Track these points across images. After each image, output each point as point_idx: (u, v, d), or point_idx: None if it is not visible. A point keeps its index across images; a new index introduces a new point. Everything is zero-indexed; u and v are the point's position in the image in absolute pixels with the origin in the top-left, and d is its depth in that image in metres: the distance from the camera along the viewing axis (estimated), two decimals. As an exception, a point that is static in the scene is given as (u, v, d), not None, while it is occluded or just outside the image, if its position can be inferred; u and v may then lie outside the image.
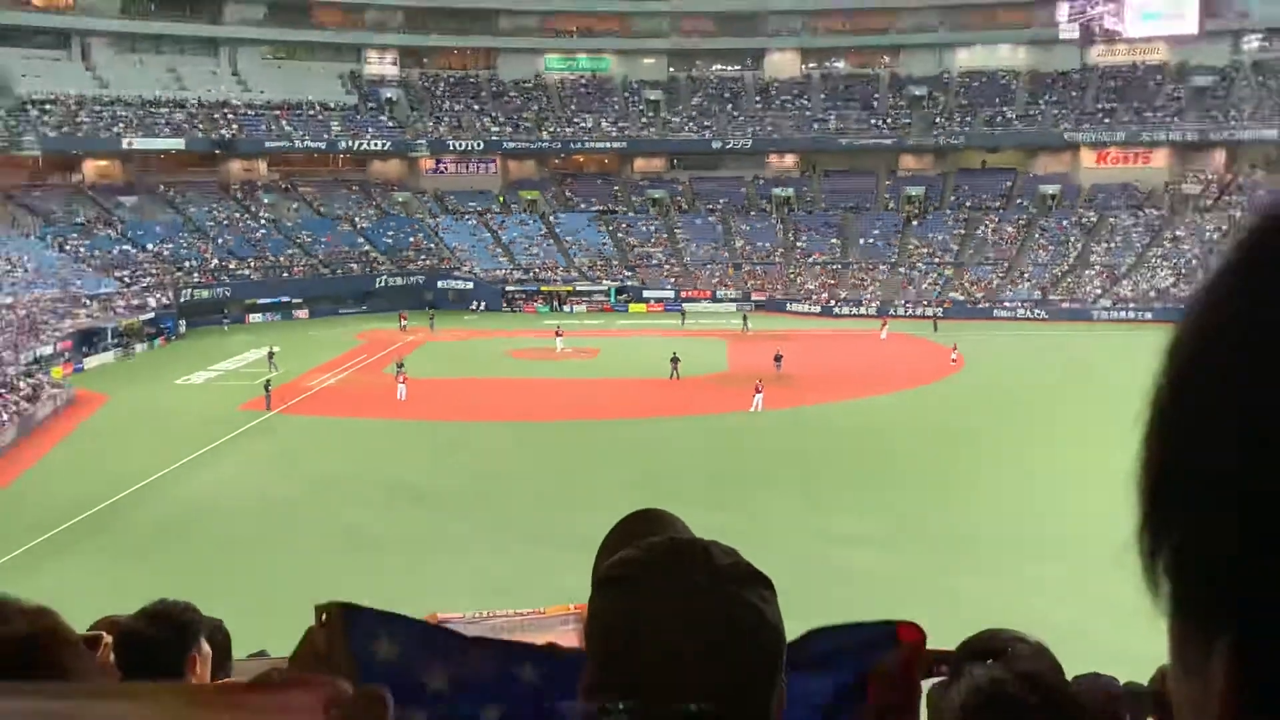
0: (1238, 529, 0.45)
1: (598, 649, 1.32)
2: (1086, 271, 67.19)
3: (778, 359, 45.39)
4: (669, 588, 1.28)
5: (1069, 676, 3.22)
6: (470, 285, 68.61)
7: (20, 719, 0.95)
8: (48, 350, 48.36)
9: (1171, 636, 0.52)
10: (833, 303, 66.84)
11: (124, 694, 1.12)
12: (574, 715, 1.68)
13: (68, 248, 60.87)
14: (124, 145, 67.04)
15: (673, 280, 70.08)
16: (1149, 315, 59.12)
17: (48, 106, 65.48)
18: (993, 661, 2.25)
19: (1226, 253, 0.49)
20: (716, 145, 78.26)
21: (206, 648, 3.41)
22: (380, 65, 78.83)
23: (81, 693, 1.02)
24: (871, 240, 72.91)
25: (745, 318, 61.60)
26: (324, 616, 1.71)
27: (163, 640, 3.30)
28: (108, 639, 2.87)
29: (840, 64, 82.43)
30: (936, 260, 70.34)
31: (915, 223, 73.67)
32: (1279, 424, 0.44)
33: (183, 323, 58.44)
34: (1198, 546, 0.47)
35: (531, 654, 1.78)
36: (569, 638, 3.33)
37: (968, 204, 74.45)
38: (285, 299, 64.38)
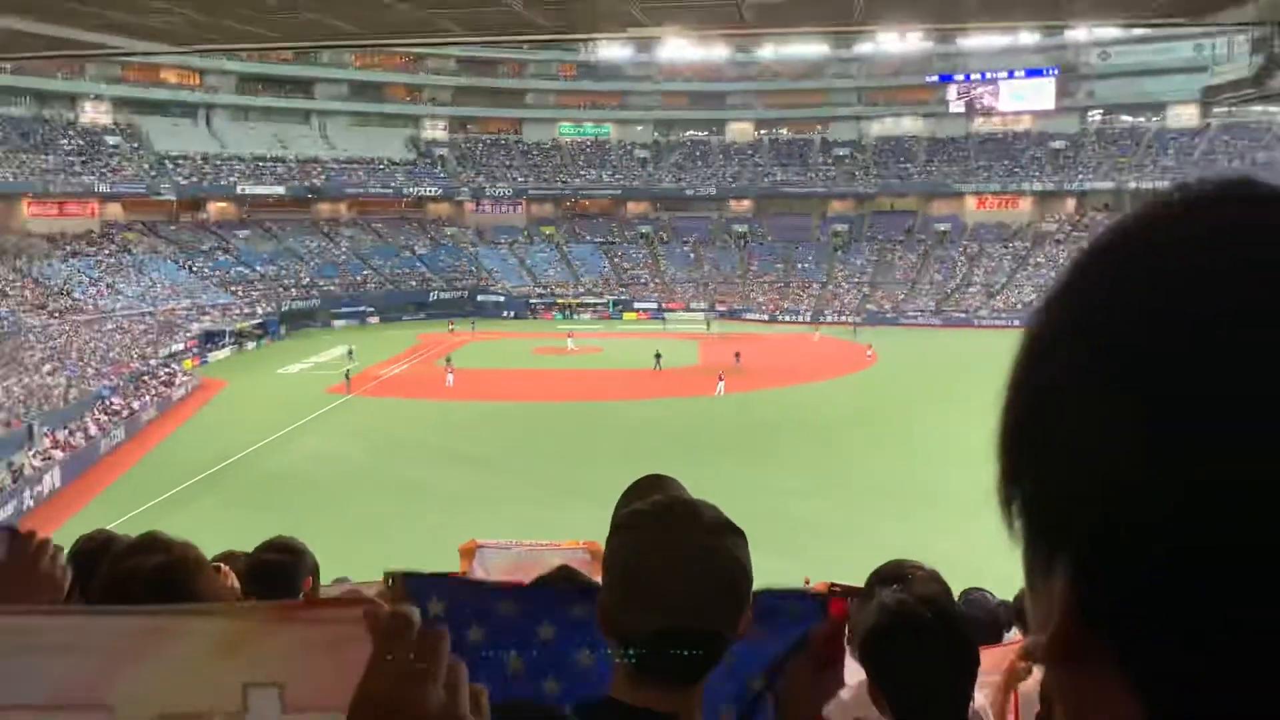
0: (1070, 476, 0.46)
1: (612, 579, 1.36)
2: (970, 289, 67.27)
3: (737, 356, 45.40)
4: (667, 535, 1.33)
5: (957, 593, 3.25)
6: (502, 298, 68.43)
7: (123, 636, 0.92)
8: (180, 347, 48.22)
9: (1024, 564, 0.52)
10: (777, 312, 66.82)
11: (203, 612, 1.10)
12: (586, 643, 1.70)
13: (195, 269, 60.61)
14: (238, 191, 66.76)
15: (656, 295, 69.95)
16: (1017, 322, 59.00)
17: (180, 161, 65.16)
18: (898, 587, 2.24)
19: (1061, 273, 0.49)
20: (689, 192, 78.19)
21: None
22: (434, 131, 78.53)
23: (166, 612, 1.00)
24: (807, 265, 72.89)
25: (709, 322, 62.14)
26: (390, 581, 1.73)
27: (284, 565, 3.34)
28: (226, 568, 2.88)
29: (784, 131, 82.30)
30: (856, 280, 70.34)
31: (840, 252, 73.65)
32: (1098, 395, 0.44)
33: (283, 326, 58.22)
34: (1042, 491, 0.48)
35: (549, 611, 1.77)
36: (576, 564, 3.35)
37: (880, 238, 74.43)
38: (361, 308, 64.11)
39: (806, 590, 1.88)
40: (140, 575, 1.38)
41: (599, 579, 1.46)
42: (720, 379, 39.40)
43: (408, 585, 1.73)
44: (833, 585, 1.87)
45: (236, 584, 3.03)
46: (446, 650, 0.90)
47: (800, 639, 1.70)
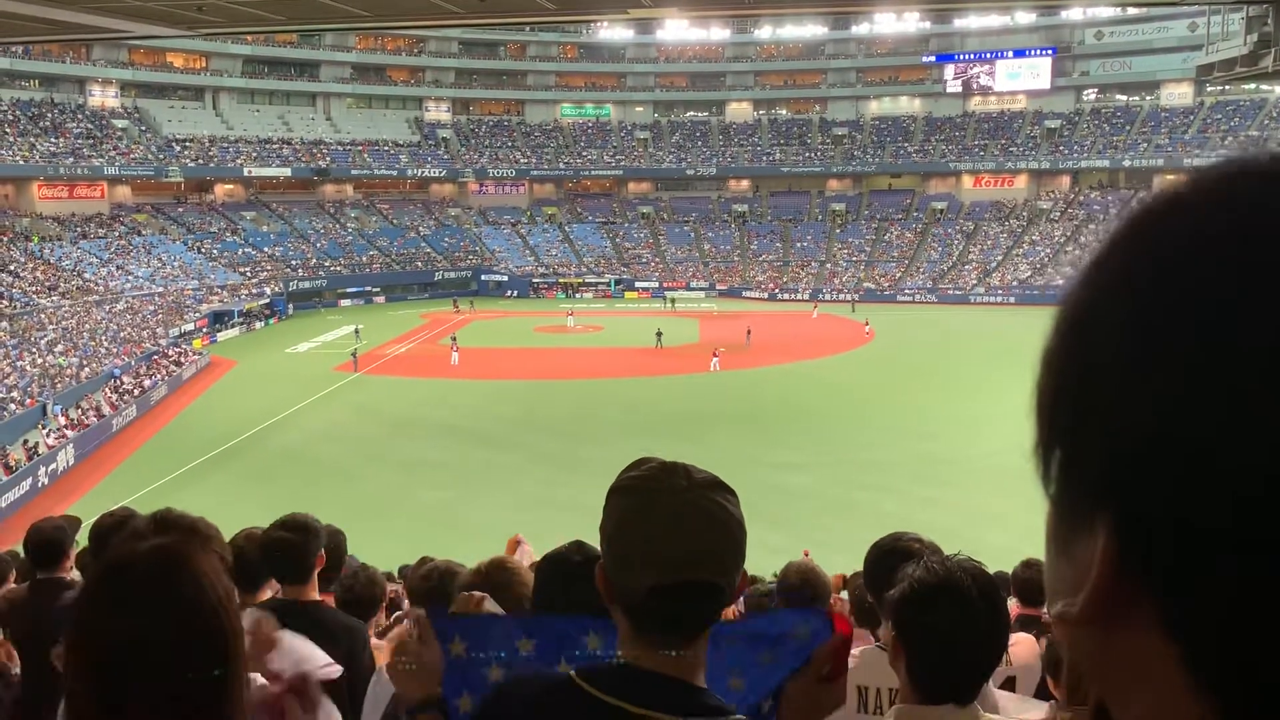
0: (1112, 440, 0.46)
1: (608, 541, 1.36)
2: (966, 267, 67.12)
3: (748, 333, 45.22)
4: (659, 493, 1.33)
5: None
6: (506, 278, 68.28)
7: None
8: (190, 327, 48.23)
9: (1052, 526, 0.52)
10: (776, 290, 66.74)
11: None
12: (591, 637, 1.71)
13: (204, 250, 60.53)
14: (245, 173, 66.51)
15: (657, 274, 69.84)
16: (1012, 299, 59.23)
17: (187, 144, 64.90)
18: (942, 556, 2.19)
19: (1097, 248, 0.50)
20: (690, 172, 77.87)
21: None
22: (437, 112, 78.19)
23: None
24: (805, 244, 72.71)
25: (704, 299, 61.88)
26: (416, 620, 1.76)
27: (295, 544, 3.34)
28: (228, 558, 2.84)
29: (782, 111, 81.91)
30: (854, 258, 70.18)
31: (838, 230, 73.45)
32: (1134, 370, 0.45)
33: (290, 306, 58.12)
34: (1084, 452, 0.48)
35: (569, 647, 1.76)
36: None
37: (878, 216, 74.22)
38: (367, 288, 64.01)
39: (811, 610, 1.88)
40: (136, 561, 1.38)
41: None
42: (714, 355, 39.39)
43: (434, 624, 1.75)
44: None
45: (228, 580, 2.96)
46: None
47: (804, 661, 1.71)
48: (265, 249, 63.44)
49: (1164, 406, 0.44)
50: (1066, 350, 0.50)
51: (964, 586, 1.92)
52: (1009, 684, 3.38)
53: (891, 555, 2.86)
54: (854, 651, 2.81)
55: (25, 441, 28.23)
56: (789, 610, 1.77)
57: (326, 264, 64.51)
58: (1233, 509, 0.42)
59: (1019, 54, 73.97)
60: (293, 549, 3.30)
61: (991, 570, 5.39)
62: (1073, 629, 0.49)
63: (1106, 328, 0.47)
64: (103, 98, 63.70)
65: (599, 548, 1.43)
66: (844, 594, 5.61)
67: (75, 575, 4.29)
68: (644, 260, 72.18)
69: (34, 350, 37.16)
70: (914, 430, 28.93)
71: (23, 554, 4.14)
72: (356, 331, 46.48)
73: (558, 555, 2.28)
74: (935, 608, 1.91)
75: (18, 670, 3.84)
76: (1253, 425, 0.41)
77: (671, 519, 1.30)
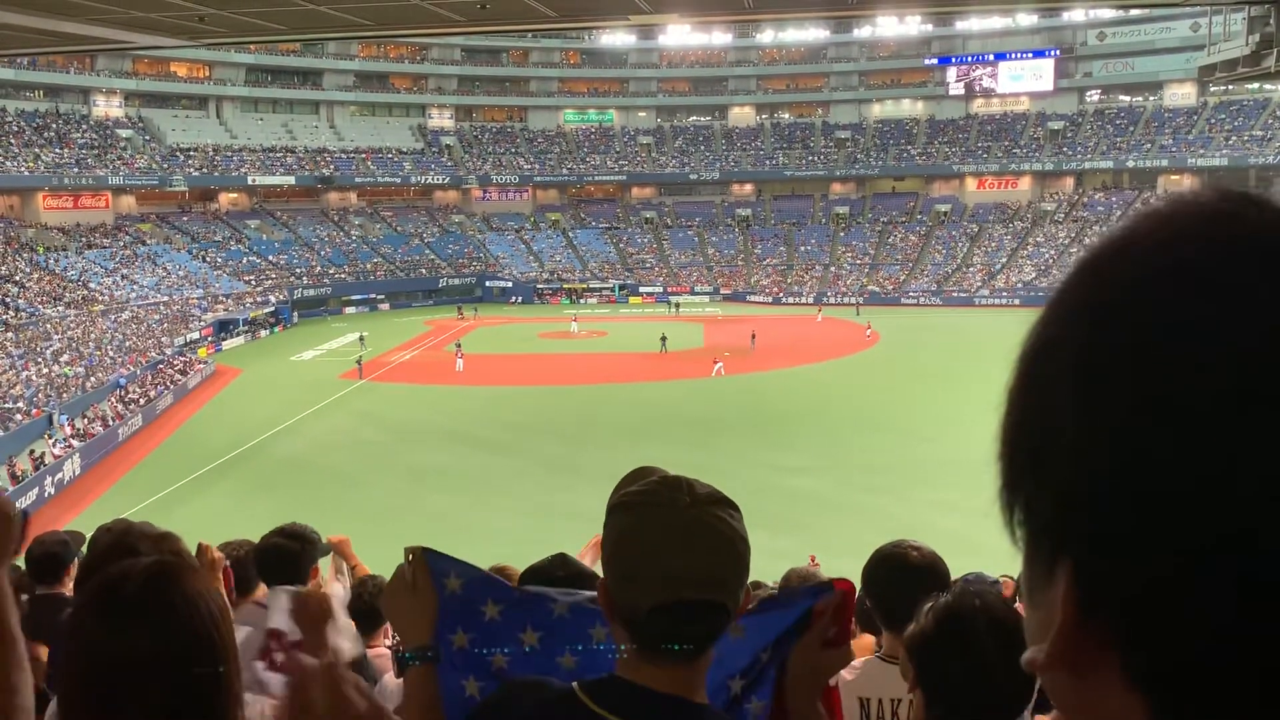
0: (1070, 478, 0.46)
1: (610, 559, 1.34)
2: (970, 269, 67.05)
3: (753, 337, 45.30)
4: (660, 510, 1.31)
5: (956, 574, 3.23)
6: (510, 284, 68.35)
7: None
8: (195, 335, 48.30)
9: (1024, 574, 0.51)
10: (780, 294, 66.70)
11: None
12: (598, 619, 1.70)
13: (208, 258, 60.66)
14: (249, 181, 66.63)
15: (661, 279, 69.84)
16: (1017, 301, 59.11)
17: (191, 153, 65.08)
18: (963, 590, 2.11)
19: (1058, 284, 0.50)
20: (693, 177, 77.92)
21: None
22: (440, 119, 78.33)
23: None
24: (809, 247, 72.69)
25: (708, 303, 61.78)
26: (410, 556, 1.73)
27: (291, 552, 3.34)
28: (219, 556, 2.83)
29: (785, 115, 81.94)
30: (858, 261, 70.15)
31: (842, 234, 73.42)
32: (1084, 415, 0.45)
33: (295, 314, 58.28)
34: (1043, 495, 0.48)
35: (565, 595, 1.77)
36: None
37: (881, 219, 74.18)
38: (371, 295, 64.12)
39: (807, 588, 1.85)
40: (133, 576, 1.38)
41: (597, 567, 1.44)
42: (716, 361, 39.36)
43: (427, 560, 1.74)
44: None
45: (228, 582, 2.96)
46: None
47: (805, 613, 1.69)
48: (270, 257, 63.55)
49: (1115, 452, 0.43)
50: (1022, 391, 0.50)
51: (978, 633, 1.85)
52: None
53: (888, 562, 2.85)
54: (855, 663, 2.80)
55: (32, 452, 28.29)
56: (786, 604, 1.74)
57: (331, 272, 64.62)
58: (1186, 558, 0.42)
59: (1023, 55, 73.95)
60: (289, 557, 3.30)
61: (1002, 573, 5.36)
62: (1043, 674, 0.50)
63: (1057, 369, 0.47)
64: (107, 108, 63.91)
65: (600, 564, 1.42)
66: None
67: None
68: (648, 265, 72.20)
69: (40, 360, 37.25)
70: (919, 433, 28.86)
71: (23, 567, 4.13)
72: (361, 339, 46.53)
73: (540, 568, 2.29)
74: (948, 657, 1.85)
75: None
76: (1202, 472, 0.41)
77: (675, 537, 1.28)
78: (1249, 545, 0.40)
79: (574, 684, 1.35)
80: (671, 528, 1.29)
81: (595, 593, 1.73)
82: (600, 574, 1.41)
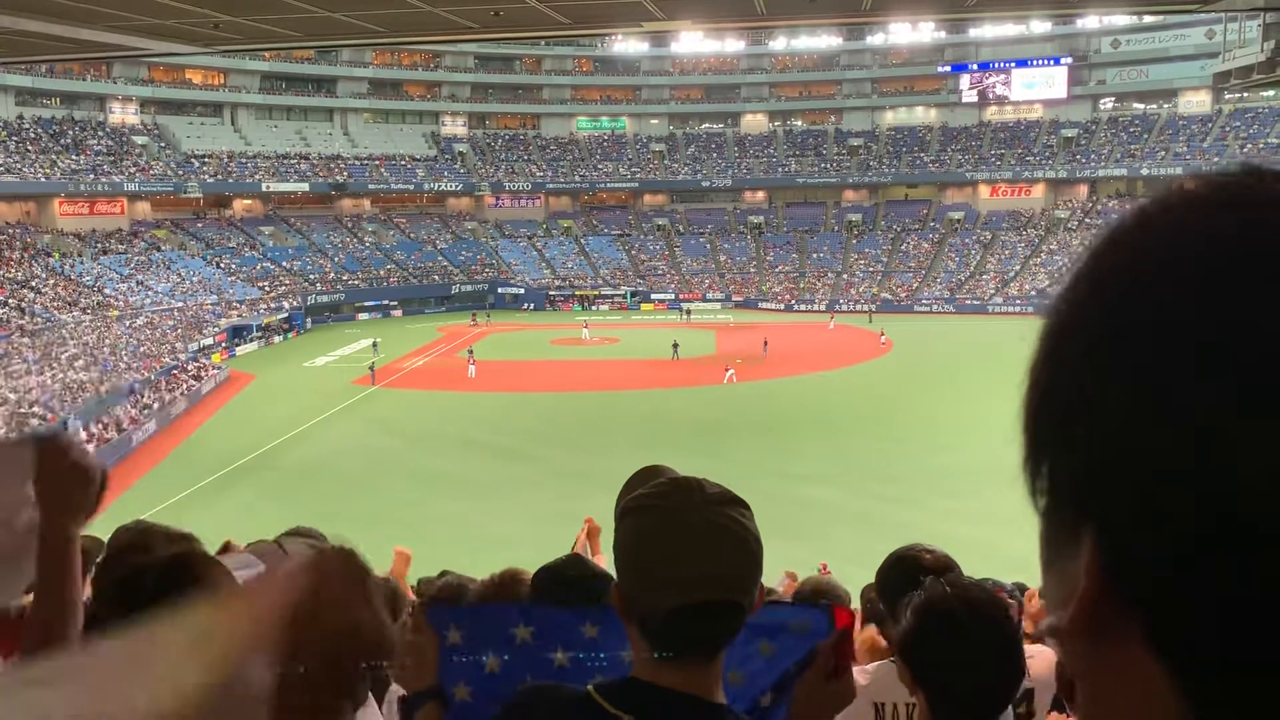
0: (1090, 454, 0.47)
1: (624, 563, 1.33)
2: (983, 276, 66.85)
3: (765, 344, 45.30)
4: (672, 512, 1.31)
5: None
6: (522, 291, 68.50)
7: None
8: (209, 341, 48.53)
9: (1043, 541, 0.52)
10: (793, 301, 66.64)
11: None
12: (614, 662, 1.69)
13: (222, 265, 61.00)
14: (263, 188, 67.04)
15: (673, 286, 69.89)
16: (1030, 309, 58.86)
17: (206, 160, 65.51)
18: (946, 584, 2.14)
19: (1079, 258, 0.51)
20: (705, 184, 77.97)
21: None
22: (453, 126, 78.64)
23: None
24: (822, 254, 72.61)
25: (720, 310, 61.77)
26: (409, 612, 1.75)
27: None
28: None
29: (798, 122, 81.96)
30: (871, 269, 70.03)
31: (855, 241, 73.32)
32: (1107, 382, 0.46)
33: (309, 320, 58.50)
34: (1069, 463, 0.49)
35: (565, 636, 1.76)
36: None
37: (894, 226, 74.06)
38: (385, 302, 64.32)
39: (810, 604, 1.86)
40: (151, 569, 1.39)
41: (597, 557, 1.45)
42: (728, 368, 39.31)
43: (427, 615, 1.74)
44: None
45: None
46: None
47: (809, 653, 1.69)
48: (283, 263, 63.85)
49: (1134, 417, 0.44)
50: (1047, 362, 0.51)
51: (959, 618, 1.87)
52: (1026, 696, 3.33)
53: (901, 564, 2.84)
54: (869, 667, 2.78)
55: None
56: (785, 604, 1.75)
57: (344, 278, 64.87)
58: (1205, 520, 0.42)
59: (1037, 63, 73.78)
60: None
61: (1016, 580, 5.32)
62: (1063, 642, 0.50)
63: (1082, 340, 0.48)
64: (123, 115, 64.39)
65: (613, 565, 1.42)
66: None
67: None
68: (660, 272, 72.24)
69: (55, 365, 37.50)
70: (933, 441, 28.76)
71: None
72: (374, 345, 46.66)
73: (555, 566, 2.30)
74: (935, 644, 1.87)
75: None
76: (1218, 438, 0.41)
77: (690, 538, 1.28)
78: (1263, 526, 0.40)
79: (590, 686, 1.35)
80: (685, 529, 1.28)
81: (595, 639, 1.74)
82: (596, 566, 1.40)
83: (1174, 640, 0.44)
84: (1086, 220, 69.45)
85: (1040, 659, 3.60)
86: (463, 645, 1.73)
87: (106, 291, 51.71)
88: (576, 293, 68.66)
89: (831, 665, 1.65)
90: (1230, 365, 0.42)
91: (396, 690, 2.85)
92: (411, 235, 72.15)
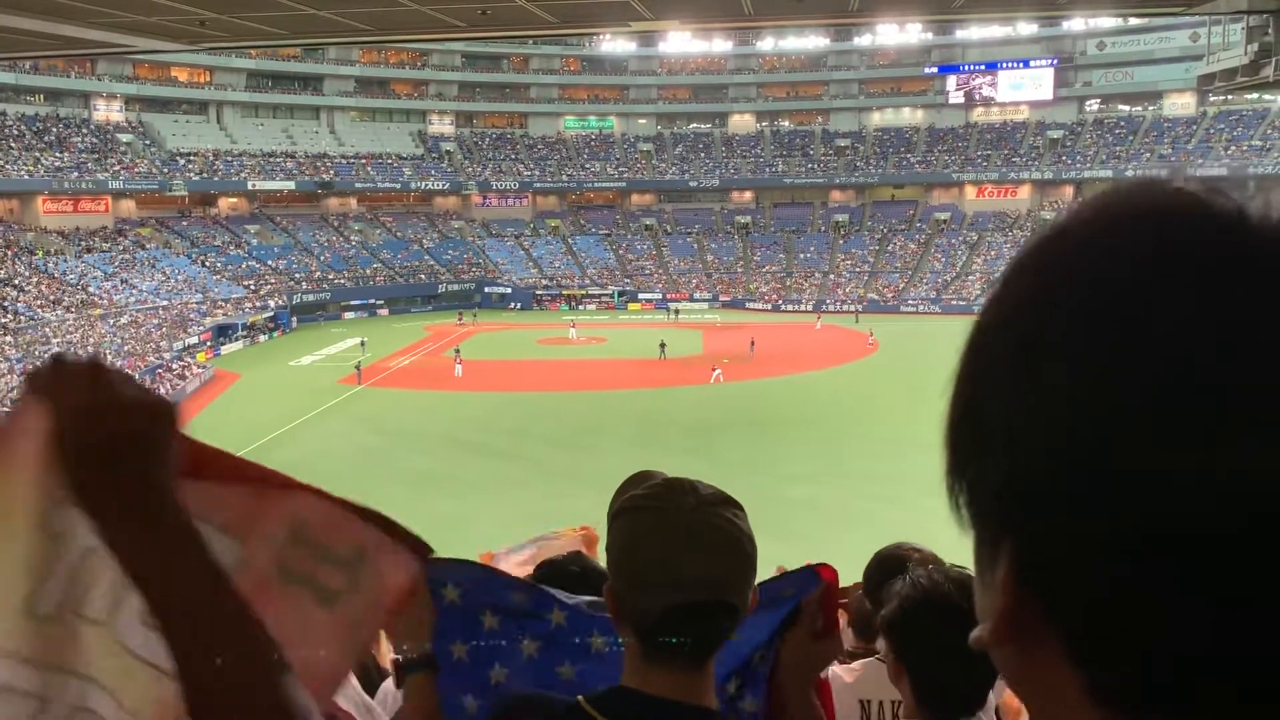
0: (1008, 466, 0.47)
1: (616, 564, 1.33)
2: (969, 277, 67.11)
3: (752, 344, 45.32)
4: (665, 513, 1.30)
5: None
6: (509, 290, 68.41)
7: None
8: (194, 340, 48.27)
9: (974, 557, 0.53)
10: (780, 301, 66.75)
11: None
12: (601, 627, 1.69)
13: (207, 263, 60.69)
14: (249, 187, 66.75)
15: (660, 286, 69.92)
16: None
17: (191, 158, 65.19)
18: (931, 567, 2.18)
19: (1002, 272, 0.53)
20: (693, 184, 78.05)
21: None
22: (440, 125, 78.47)
23: None
24: (809, 255, 72.77)
25: (707, 310, 61.87)
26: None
27: None
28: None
29: (785, 122, 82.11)
30: (857, 269, 70.21)
31: (841, 241, 73.50)
32: (1031, 383, 0.46)
33: (294, 319, 58.27)
34: (984, 479, 0.49)
35: (559, 601, 1.75)
36: (575, 544, 3.35)
37: (881, 227, 74.28)
38: (371, 301, 64.12)
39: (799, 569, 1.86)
40: None
41: (601, 561, 1.44)
42: (715, 368, 39.34)
43: (426, 571, 1.73)
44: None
45: None
46: None
47: (793, 610, 1.69)
48: (269, 262, 63.59)
49: (1052, 430, 0.44)
50: (969, 376, 0.51)
51: (949, 597, 1.89)
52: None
53: (888, 563, 2.85)
54: (855, 665, 2.79)
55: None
56: (774, 578, 1.75)
57: (330, 277, 64.65)
58: (1118, 543, 0.42)
59: (1023, 64, 74.12)
60: None
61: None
62: (990, 653, 0.51)
63: (1001, 352, 0.48)
64: (107, 112, 63.99)
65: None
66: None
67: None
68: (647, 272, 72.26)
69: (38, 364, 37.20)
70: (920, 441, 28.54)
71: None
72: (361, 344, 46.50)
73: (557, 561, 2.30)
74: (924, 623, 1.88)
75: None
76: (1135, 448, 0.41)
77: (684, 539, 1.27)
78: (1181, 533, 0.40)
79: (579, 697, 1.33)
80: (678, 530, 1.28)
81: (593, 598, 1.73)
82: (597, 563, 1.40)
83: (1083, 651, 0.45)
84: (1072, 221, 69.75)
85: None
86: (460, 602, 1.72)
87: (90, 290, 51.37)
88: (564, 292, 68.61)
89: (819, 623, 1.65)
90: (1145, 376, 0.42)
91: (390, 689, 2.84)
92: (398, 234, 71.97)
